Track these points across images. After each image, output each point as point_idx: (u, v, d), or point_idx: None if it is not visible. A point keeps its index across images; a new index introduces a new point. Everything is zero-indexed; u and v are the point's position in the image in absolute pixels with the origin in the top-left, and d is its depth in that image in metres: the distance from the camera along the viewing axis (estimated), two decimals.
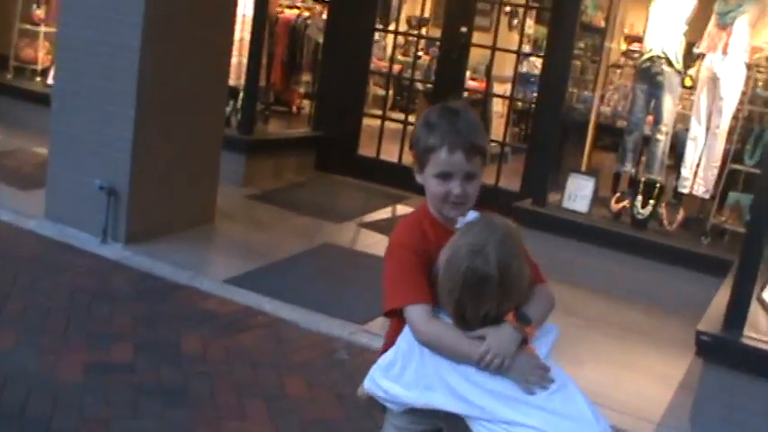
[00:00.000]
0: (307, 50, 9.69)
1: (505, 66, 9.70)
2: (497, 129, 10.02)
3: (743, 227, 5.92)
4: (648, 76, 7.12)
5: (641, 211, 6.73)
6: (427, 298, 2.30)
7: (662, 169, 7.18)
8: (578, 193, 6.76)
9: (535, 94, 9.49)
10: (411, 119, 9.80)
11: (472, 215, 2.32)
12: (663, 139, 7.13)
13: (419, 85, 10.73)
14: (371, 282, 5.99)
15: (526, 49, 10.48)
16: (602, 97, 7.99)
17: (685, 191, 7.11)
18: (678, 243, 6.52)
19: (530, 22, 10.05)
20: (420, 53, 11.29)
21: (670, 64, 7.01)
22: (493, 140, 8.94)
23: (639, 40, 7.83)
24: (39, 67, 9.67)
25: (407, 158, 9.07)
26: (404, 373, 2.34)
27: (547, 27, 8.63)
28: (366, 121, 9.41)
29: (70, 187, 6.03)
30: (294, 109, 10.36)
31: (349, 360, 4.69)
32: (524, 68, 10.51)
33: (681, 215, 6.80)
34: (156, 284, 5.36)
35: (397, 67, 11.29)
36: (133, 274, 5.47)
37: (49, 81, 8.98)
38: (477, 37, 9.05)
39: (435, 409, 2.29)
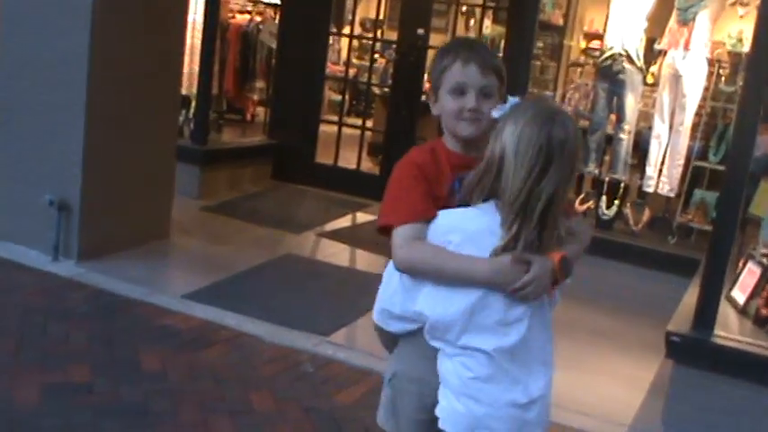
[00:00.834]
0: (260, 56, 9.58)
1: None
2: None
3: (709, 225, 5.92)
4: (610, 75, 7.09)
5: (606, 211, 6.72)
6: (421, 215, 2.25)
7: (626, 169, 7.16)
8: None
9: None
10: (368, 124, 9.77)
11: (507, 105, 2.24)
12: (626, 138, 7.10)
13: (376, 90, 10.65)
14: (334, 292, 5.98)
15: None
16: (563, 96, 7.96)
17: (650, 190, 7.09)
18: (644, 243, 6.52)
19: (487, 23, 9.98)
20: (376, 56, 11.20)
21: (631, 61, 6.99)
22: None
23: (599, 37, 7.82)
24: None
25: (366, 165, 9.03)
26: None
27: (504, 27, 8.57)
28: (323, 128, 9.32)
29: (18, 203, 5.85)
30: (248, 117, 10.23)
31: (315, 372, 4.61)
32: None
33: (646, 215, 6.80)
34: (111, 301, 5.22)
35: (352, 72, 11.21)
36: (87, 292, 5.32)
37: None
38: (434, 38, 8.98)
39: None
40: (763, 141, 6.03)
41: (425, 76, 9.21)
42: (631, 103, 7.08)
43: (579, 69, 8.38)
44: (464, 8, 10.45)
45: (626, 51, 6.98)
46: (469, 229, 2.21)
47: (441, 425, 2.29)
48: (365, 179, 8.85)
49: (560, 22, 8.06)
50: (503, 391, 2.22)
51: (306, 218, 7.93)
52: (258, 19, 9.72)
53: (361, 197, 8.42)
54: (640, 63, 7.05)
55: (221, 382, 4.32)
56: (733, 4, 7.06)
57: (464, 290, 2.20)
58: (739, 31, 6.87)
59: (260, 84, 9.68)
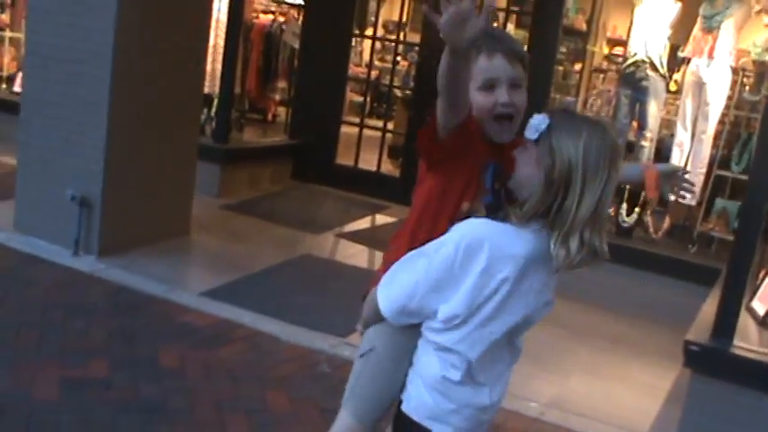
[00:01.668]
0: (282, 57, 9.60)
1: None
2: None
3: (730, 234, 5.88)
4: (633, 81, 7.06)
5: (626, 219, 6.69)
6: None
7: None
8: None
9: None
10: (389, 126, 9.75)
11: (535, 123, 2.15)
12: (648, 146, 7.07)
13: (397, 92, 10.64)
14: (353, 293, 5.93)
15: None
16: (585, 102, 7.92)
17: (671, 198, 7.03)
18: (665, 251, 6.48)
19: (510, 26, 9.95)
20: (398, 59, 11.20)
21: (654, 68, 6.96)
22: None
23: (622, 43, 7.78)
24: (4, 74, 9.51)
25: (386, 167, 9.02)
26: None
27: (528, 31, 8.55)
28: (343, 129, 9.32)
29: (40, 198, 5.89)
30: (270, 117, 10.27)
31: (331, 373, 4.61)
32: None
33: (667, 223, 6.76)
34: (131, 298, 5.23)
35: (374, 73, 11.21)
36: (107, 288, 5.34)
37: (15, 88, 8.86)
38: None
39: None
40: None
41: None
42: (654, 111, 7.04)
43: (602, 75, 8.34)
44: None
45: (649, 58, 6.95)
46: (523, 255, 2.15)
47: (403, 407, 2.34)
48: (385, 181, 8.85)
49: (583, 27, 8.03)
50: (472, 395, 2.27)
51: (325, 218, 7.94)
52: (281, 19, 9.75)
53: (381, 199, 8.43)
54: (663, 70, 7.02)
55: (238, 381, 4.32)
56: (758, 13, 7.01)
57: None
58: (765, 39, 6.82)
59: (282, 84, 9.71)
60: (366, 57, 11.43)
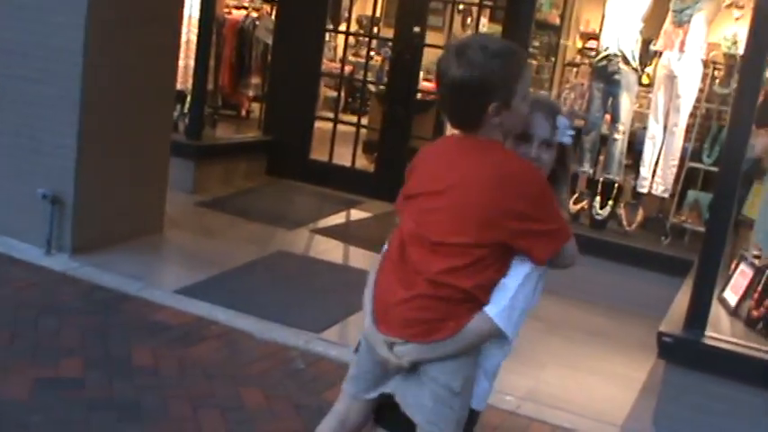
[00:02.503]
0: (255, 52, 9.55)
1: None
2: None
3: (703, 226, 5.91)
4: (605, 75, 7.07)
5: (600, 211, 6.72)
6: None
7: (620, 169, 7.14)
8: None
9: None
10: (363, 121, 9.74)
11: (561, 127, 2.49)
12: (621, 139, 7.09)
13: (371, 87, 10.63)
14: (327, 289, 5.97)
15: None
16: (559, 96, 7.94)
17: (644, 190, 7.08)
18: (638, 243, 6.52)
19: (484, 21, 9.96)
20: (372, 54, 11.18)
21: (627, 62, 6.97)
22: None
23: (596, 37, 7.79)
24: None
25: (360, 162, 9.01)
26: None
27: (501, 25, 8.56)
28: (318, 124, 9.30)
29: (11, 196, 5.84)
30: (243, 113, 10.21)
31: (306, 369, 4.62)
32: None
33: (640, 215, 6.80)
34: (104, 296, 5.21)
35: (348, 69, 11.18)
36: (80, 286, 5.31)
37: None
38: (430, 37, 8.96)
39: None
40: (756, 144, 6.04)
41: (421, 74, 9.21)
42: (626, 104, 7.06)
43: (575, 69, 8.35)
44: (461, 6, 10.44)
45: (621, 52, 6.96)
46: None
47: (474, 404, 2.45)
48: (359, 176, 8.84)
49: (557, 21, 8.04)
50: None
51: (299, 214, 7.92)
52: (254, 15, 9.69)
53: (355, 194, 8.43)
54: (635, 64, 7.04)
55: (212, 378, 4.32)
56: (729, 6, 7.05)
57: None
58: (734, 33, 6.86)
59: (255, 80, 9.66)
60: (340, 52, 11.38)
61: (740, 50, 6.54)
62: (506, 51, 2.31)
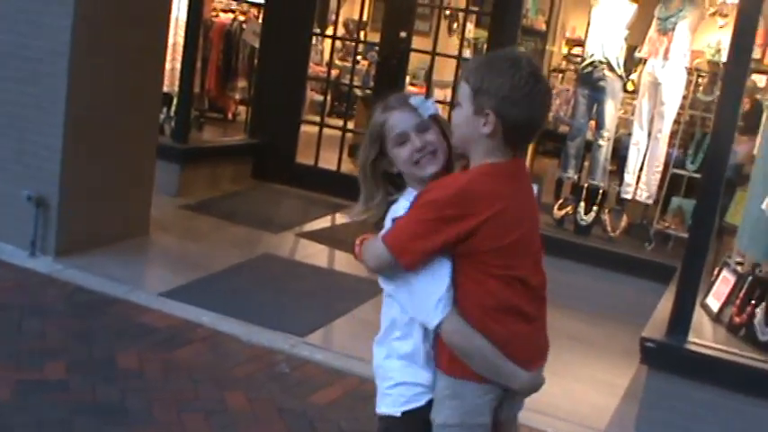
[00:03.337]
0: (242, 55, 9.55)
1: (446, 71, 9.64)
2: None
3: (686, 232, 5.94)
4: (590, 81, 7.12)
5: (584, 217, 6.75)
6: None
7: (605, 175, 7.19)
8: None
9: None
10: (350, 125, 9.75)
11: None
12: (605, 145, 7.14)
13: (358, 91, 10.65)
14: (312, 293, 5.97)
15: (467, 53, 10.42)
16: None
17: (628, 196, 7.13)
18: (622, 249, 6.55)
19: (470, 27, 10.01)
20: (358, 58, 11.20)
21: (611, 69, 7.02)
22: None
23: (581, 43, 7.84)
24: None
25: (346, 166, 9.01)
26: None
27: (487, 31, 8.60)
28: (304, 128, 9.29)
29: None
30: (230, 116, 10.21)
31: (290, 373, 4.61)
32: None
33: (624, 221, 6.84)
34: (89, 299, 5.19)
35: (335, 73, 11.20)
36: (65, 289, 5.30)
37: None
38: (416, 41, 8.98)
39: None
40: (740, 150, 6.08)
41: (407, 78, 9.22)
42: (611, 110, 7.11)
43: (561, 75, 8.40)
44: (447, 12, 10.47)
45: (606, 59, 7.02)
46: None
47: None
48: (345, 180, 8.81)
49: (543, 27, 8.08)
50: None
51: (285, 218, 7.92)
52: (242, 18, 9.70)
53: (341, 198, 8.41)
54: (620, 71, 7.09)
55: (196, 382, 4.31)
56: (713, 15, 7.11)
57: None
58: (718, 41, 6.91)
59: (242, 83, 9.66)
60: (326, 56, 11.40)
61: (724, 58, 6.60)
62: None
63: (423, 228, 2.21)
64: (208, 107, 9.71)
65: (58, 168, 5.59)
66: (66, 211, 5.68)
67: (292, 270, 6.47)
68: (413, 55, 9.01)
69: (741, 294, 4.57)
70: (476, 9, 9.63)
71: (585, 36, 7.47)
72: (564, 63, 8.71)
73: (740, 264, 4.87)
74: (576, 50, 8.40)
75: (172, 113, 8.14)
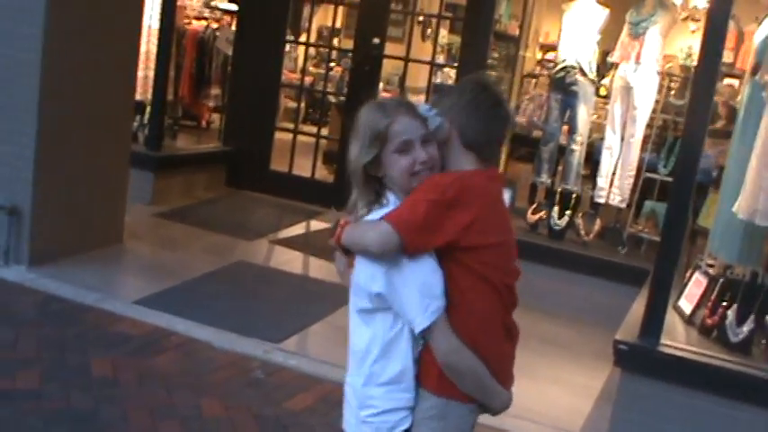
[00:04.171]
0: (216, 63, 9.53)
1: (419, 77, 9.67)
2: None
3: (659, 235, 5.98)
4: (563, 86, 7.16)
5: (558, 221, 6.78)
6: None
7: (578, 179, 7.23)
8: None
9: None
10: (324, 132, 9.75)
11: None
12: (578, 149, 7.17)
13: (332, 98, 10.65)
14: (286, 299, 5.96)
15: (440, 59, 10.48)
16: (518, 107, 8.01)
17: (602, 201, 7.17)
18: (595, 253, 6.58)
19: (443, 32, 10.03)
20: (332, 65, 11.21)
21: (584, 74, 7.06)
22: None
23: (555, 48, 7.87)
24: None
25: (321, 173, 9.01)
26: None
27: (460, 37, 8.62)
28: (278, 135, 9.28)
29: None
30: (203, 123, 10.18)
31: (265, 379, 4.61)
32: (438, 79, 10.48)
33: (598, 225, 6.87)
34: (62, 307, 5.17)
35: (308, 80, 11.19)
36: (38, 297, 5.27)
37: None
38: (389, 48, 8.99)
39: None
40: (711, 154, 6.13)
41: (381, 85, 9.22)
42: (584, 115, 7.15)
43: (534, 80, 8.44)
44: (420, 18, 10.50)
45: (578, 64, 7.06)
46: None
47: None
48: (320, 187, 8.84)
49: (516, 32, 8.12)
50: None
51: (259, 225, 7.91)
52: (215, 26, 9.68)
53: (316, 205, 8.42)
54: (593, 75, 7.13)
55: (172, 389, 4.30)
56: (685, 20, 7.17)
57: None
58: (690, 46, 6.98)
59: (215, 90, 9.63)
60: (300, 63, 11.39)
61: (695, 62, 6.66)
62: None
63: (426, 208, 2.23)
64: (181, 115, 9.67)
65: (30, 177, 5.56)
66: (38, 219, 5.65)
67: (267, 277, 6.47)
68: (386, 61, 9.02)
69: (713, 296, 4.60)
70: (449, 15, 9.67)
71: (559, 41, 7.50)
72: (537, 68, 8.74)
73: (712, 266, 4.90)
74: (550, 55, 8.43)
75: (145, 121, 8.11)
